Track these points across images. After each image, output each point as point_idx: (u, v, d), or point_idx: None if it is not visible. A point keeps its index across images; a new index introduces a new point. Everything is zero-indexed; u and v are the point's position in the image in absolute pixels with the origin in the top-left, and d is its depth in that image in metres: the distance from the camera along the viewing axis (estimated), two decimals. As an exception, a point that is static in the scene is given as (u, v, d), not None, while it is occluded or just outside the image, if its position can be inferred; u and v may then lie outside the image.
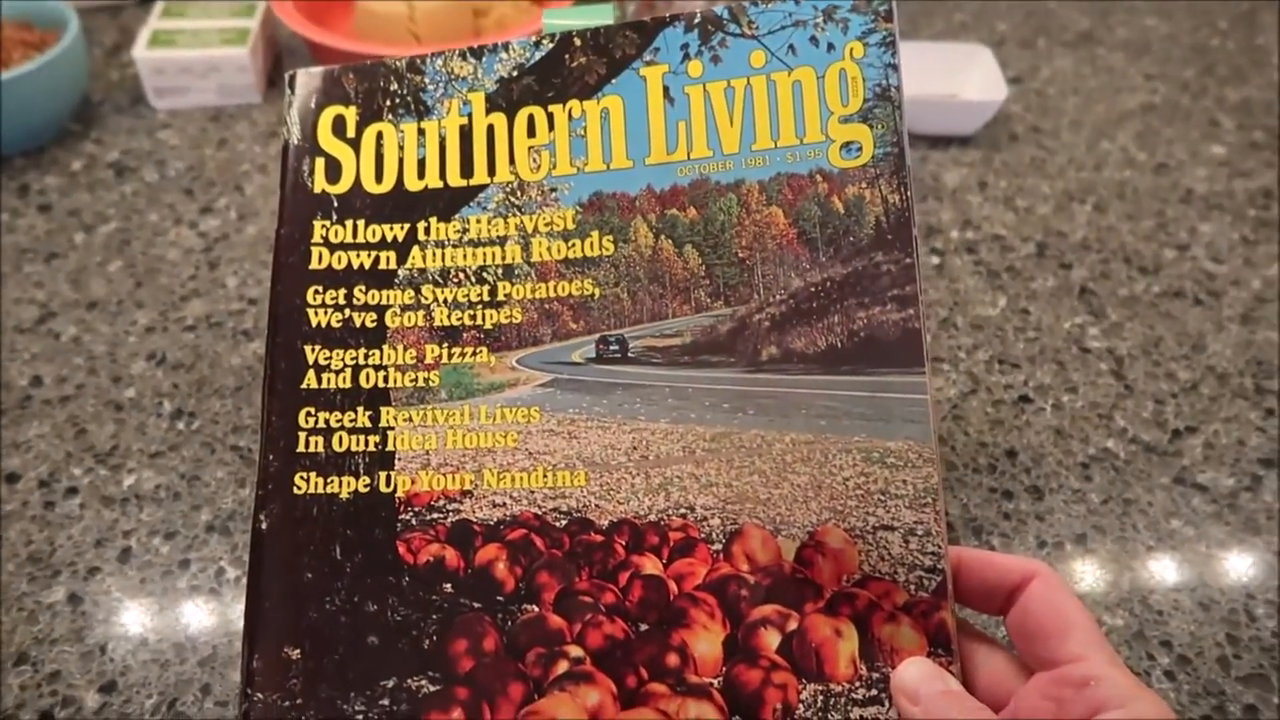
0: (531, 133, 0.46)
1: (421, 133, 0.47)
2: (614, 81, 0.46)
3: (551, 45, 0.46)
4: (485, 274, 0.46)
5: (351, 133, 0.47)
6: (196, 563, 0.53)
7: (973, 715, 0.33)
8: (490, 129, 0.47)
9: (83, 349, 0.65)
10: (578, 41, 0.46)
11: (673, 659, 0.39)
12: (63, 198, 0.76)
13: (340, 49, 0.80)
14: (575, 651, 0.40)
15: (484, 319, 0.45)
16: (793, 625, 0.39)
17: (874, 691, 0.37)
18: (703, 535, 0.41)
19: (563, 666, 0.40)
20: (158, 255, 0.72)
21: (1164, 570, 0.53)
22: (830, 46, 0.44)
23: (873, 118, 0.43)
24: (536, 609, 0.41)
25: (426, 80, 0.48)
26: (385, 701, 0.40)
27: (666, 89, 0.45)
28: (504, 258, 0.46)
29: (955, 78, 0.83)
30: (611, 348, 0.45)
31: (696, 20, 0.45)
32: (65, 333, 0.66)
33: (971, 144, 0.81)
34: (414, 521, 0.43)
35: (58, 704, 0.47)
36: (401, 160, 0.47)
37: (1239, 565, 0.53)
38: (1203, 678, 0.48)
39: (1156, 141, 0.82)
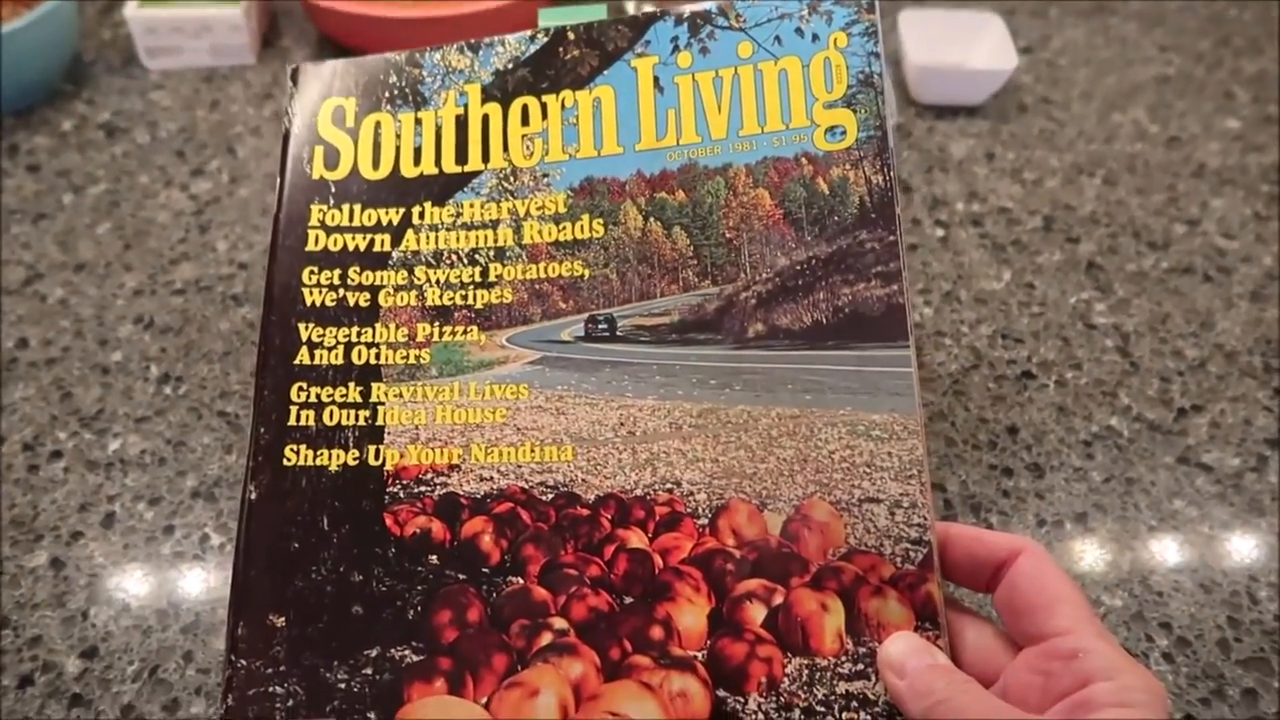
0: (525, 121, 0.48)
1: (418, 122, 0.48)
2: (606, 72, 0.47)
3: (546, 39, 0.48)
4: (477, 256, 0.47)
5: (350, 122, 0.49)
6: (181, 529, 0.52)
7: (960, 688, 0.32)
8: (485, 118, 0.48)
9: (70, 311, 0.64)
10: (571, 35, 0.48)
11: (657, 632, 0.39)
12: (52, 158, 0.75)
13: (335, 9, 0.78)
14: (559, 623, 0.40)
15: (475, 299, 0.46)
16: (778, 599, 0.39)
17: (860, 666, 0.37)
18: (689, 510, 0.41)
19: (546, 638, 0.39)
20: (147, 218, 0.70)
21: (1165, 551, 0.52)
22: (815, 37, 0.46)
23: (856, 103, 0.44)
24: (521, 581, 0.41)
25: (424, 73, 0.49)
26: (368, 670, 0.41)
27: (657, 79, 0.47)
28: (496, 240, 0.47)
29: (964, 46, 0.81)
30: (600, 326, 0.46)
31: (686, 15, 0.47)
32: (52, 295, 0.65)
33: (980, 114, 0.80)
34: (401, 494, 0.43)
35: (38, 669, 0.47)
36: (398, 148, 0.48)
37: (1242, 547, 0.52)
38: (1202, 660, 0.47)
39: (1169, 114, 0.80)
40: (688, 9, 0.48)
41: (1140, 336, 0.63)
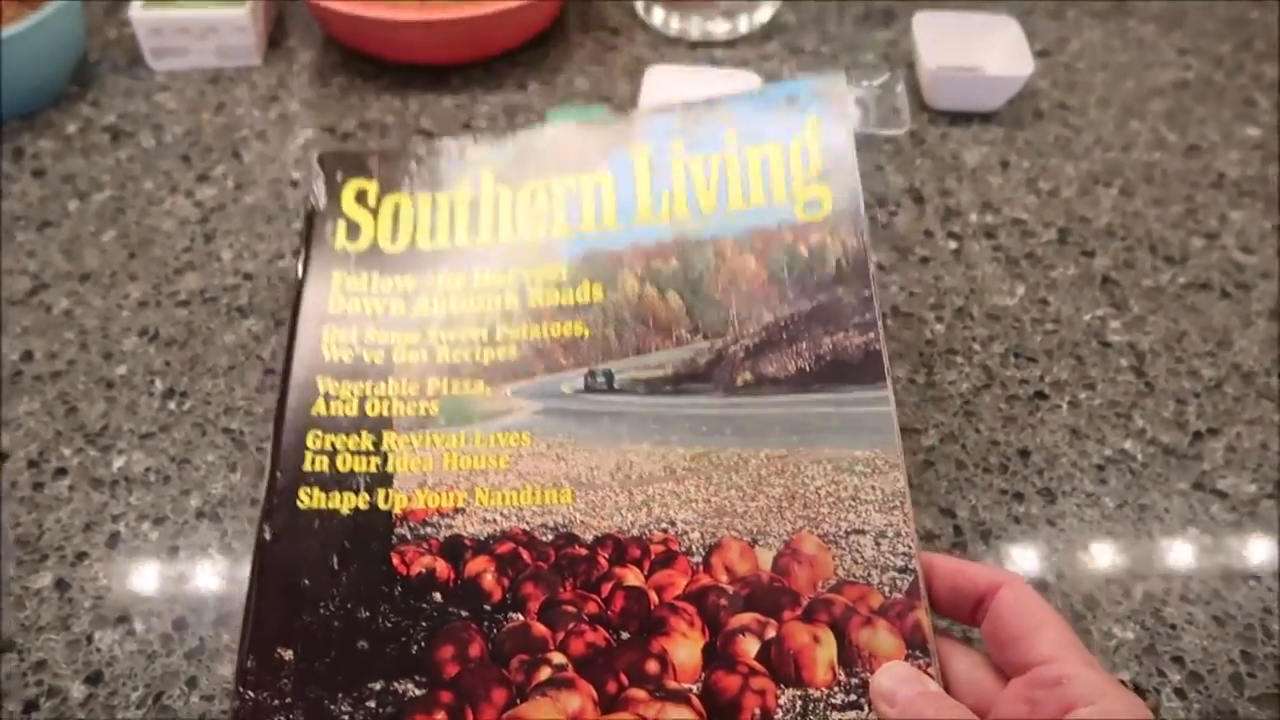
0: (533, 202, 0.53)
1: (435, 203, 0.54)
2: (607, 159, 0.53)
3: (555, 131, 0.54)
4: (485, 318, 0.51)
5: (372, 202, 0.54)
6: (185, 550, 0.52)
7: (950, 714, 0.33)
8: (497, 199, 0.53)
9: (74, 323, 0.64)
10: (576, 128, 0.54)
11: (652, 665, 0.40)
12: (56, 162, 0.75)
13: (340, 11, 0.77)
14: (558, 658, 0.42)
15: (482, 356, 0.50)
16: (771, 633, 0.40)
17: (853, 696, 0.38)
18: (683, 548, 0.43)
19: (545, 673, 0.40)
20: (152, 225, 0.70)
21: (1178, 582, 0.51)
22: (793, 124, 0.51)
23: (831, 179, 0.49)
24: (522, 618, 0.43)
25: (443, 161, 0.55)
26: (372, 703, 0.42)
27: (652, 163, 0.52)
28: (503, 304, 0.51)
29: (979, 50, 0.80)
30: (599, 380, 0.49)
31: (678, 110, 0.54)
32: (57, 305, 0.65)
33: (994, 121, 0.78)
34: (409, 535, 0.45)
35: (43, 694, 0.47)
36: (415, 225, 0.53)
37: (1258, 577, 0.51)
38: (1214, 697, 0.47)
39: (1188, 121, 0.79)
40: (679, 102, 0.54)
41: (1156, 356, 0.62)
